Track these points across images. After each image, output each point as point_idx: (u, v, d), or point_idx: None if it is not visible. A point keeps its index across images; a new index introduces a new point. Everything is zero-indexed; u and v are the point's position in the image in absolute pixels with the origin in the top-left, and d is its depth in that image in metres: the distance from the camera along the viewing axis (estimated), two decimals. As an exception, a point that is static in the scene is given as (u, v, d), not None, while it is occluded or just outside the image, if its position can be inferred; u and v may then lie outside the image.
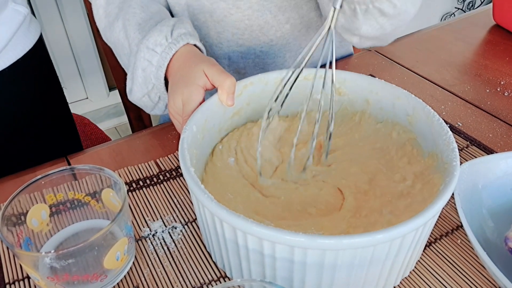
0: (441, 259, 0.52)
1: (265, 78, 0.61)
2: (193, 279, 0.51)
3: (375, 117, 0.61)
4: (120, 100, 1.09)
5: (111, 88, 2.19)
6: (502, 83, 0.82)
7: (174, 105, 0.57)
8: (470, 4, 2.49)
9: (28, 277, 0.52)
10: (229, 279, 0.51)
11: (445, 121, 0.63)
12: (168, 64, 0.61)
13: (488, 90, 0.80)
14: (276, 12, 0.76)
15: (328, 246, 0.40)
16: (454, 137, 0.50)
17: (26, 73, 0.76)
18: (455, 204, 0.51)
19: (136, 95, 0.65)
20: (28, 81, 0.78)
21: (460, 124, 0.72)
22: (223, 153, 0.58)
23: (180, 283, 0.51)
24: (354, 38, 0.67)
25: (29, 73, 0.77)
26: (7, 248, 0.55)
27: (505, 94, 0.79)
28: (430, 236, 0.54)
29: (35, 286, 0.51)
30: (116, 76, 1.02)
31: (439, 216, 0.57)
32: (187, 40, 0.60)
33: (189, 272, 0.52)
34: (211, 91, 0.58)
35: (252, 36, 0.78)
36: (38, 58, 0.79)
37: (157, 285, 0.51)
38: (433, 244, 0.54)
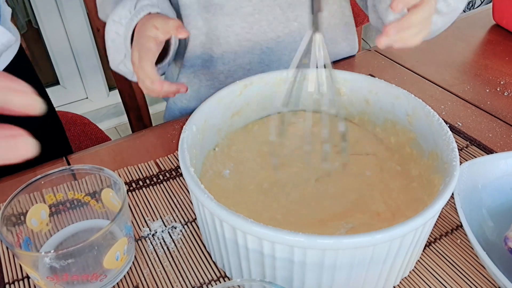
0: (441, 259, 0.52)
1: (265, 78, 0.61)
2: (193, 279, 0.51)
3: (374, 117, 0.61)
4: (120, 100, 1.09)
5: (111, 88, 2.19)
6: (502, 83, 0.82)
7: (134, 59, 0.62)
8: (470, 4, 2.49)
9: (28, 277, 0.52)
10: (229, 279, 0.51)
11: (445, 121, 0.63)
12: (133, 34, 0.66)
13: (488, 90, 0.80)
14: (285, 8, 0.78)
15: (327, 246, 0.39)
16: (454, 137, 0.50)
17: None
18: (454, 204, 0.51)
19: (113, 64, 0.72)
20: None
21: (460, 124, 0.72)
22: (217, 160, 0.58)
23: (179, 282, 0.51)
24: None
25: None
26: (7, 248, 0.55)
27: (505, 94, 0.79)
28: (430, 236, 0.54)
29: (34, 286, 0.51)
30: (116, 76, 1.02)
31: (439, 216, 0.57)
32: (149, 10, 0.65)
33: (189, 271, 0.52)
34: (211, 91, 0.58)
35: (260, 31, 0.79)
36: (20, 69, 0.78)
37: (156, 285, 0.51)
38: (433, 244, 0.54)
